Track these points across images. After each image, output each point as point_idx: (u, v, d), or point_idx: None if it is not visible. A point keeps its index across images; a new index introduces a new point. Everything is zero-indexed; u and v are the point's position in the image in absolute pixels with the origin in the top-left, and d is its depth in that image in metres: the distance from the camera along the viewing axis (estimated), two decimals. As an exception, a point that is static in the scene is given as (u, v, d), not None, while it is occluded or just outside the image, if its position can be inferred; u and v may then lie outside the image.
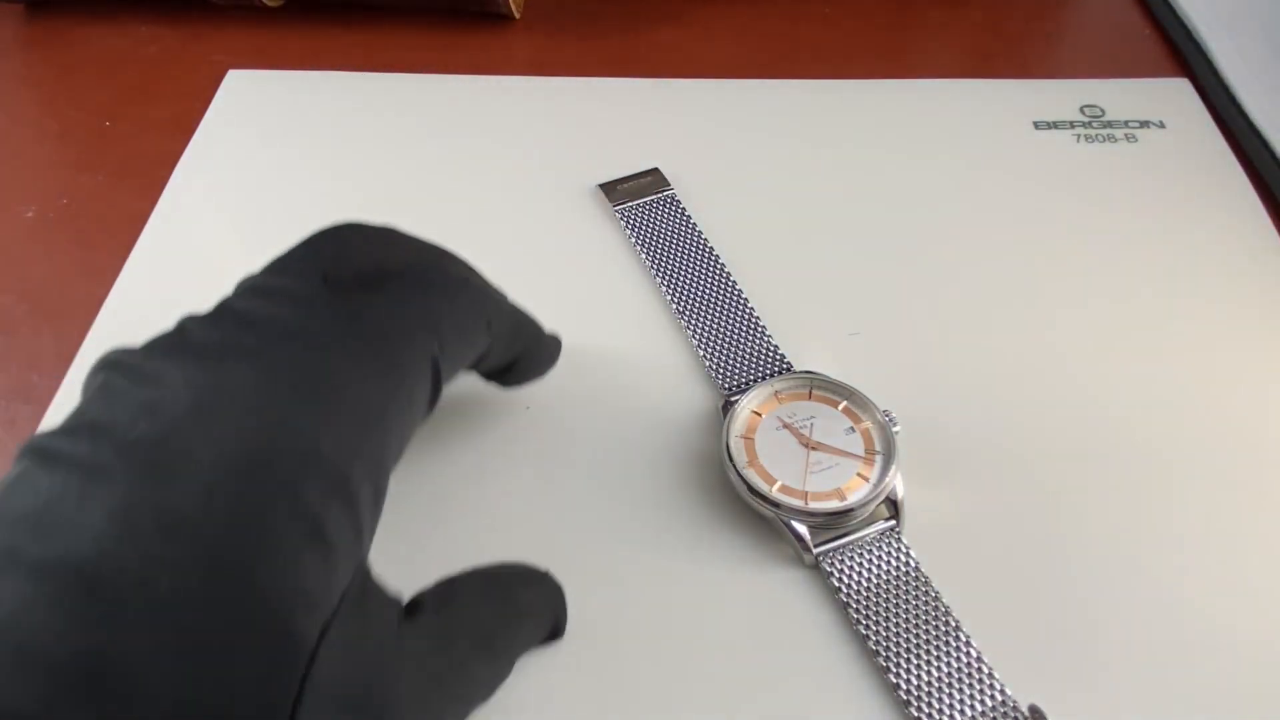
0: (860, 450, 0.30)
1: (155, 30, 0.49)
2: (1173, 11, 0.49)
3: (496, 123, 0.43)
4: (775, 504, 0.28)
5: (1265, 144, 0.41)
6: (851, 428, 0.30)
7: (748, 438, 0.30)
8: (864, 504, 0.28)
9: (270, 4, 0.48)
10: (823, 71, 0.46)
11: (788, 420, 0.30)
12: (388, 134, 0.43)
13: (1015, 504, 0.30)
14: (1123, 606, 0.28)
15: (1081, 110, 0.44)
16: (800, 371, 0.32)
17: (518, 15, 0.49)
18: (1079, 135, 0.43)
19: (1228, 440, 0.32)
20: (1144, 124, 0.43)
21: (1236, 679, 0.27)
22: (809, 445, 0.30)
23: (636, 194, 0.39)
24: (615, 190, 0.39)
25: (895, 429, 0.30)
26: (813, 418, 0.31)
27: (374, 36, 0.48)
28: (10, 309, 0.36)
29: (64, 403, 0.33)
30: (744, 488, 0.29)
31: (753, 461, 0.29)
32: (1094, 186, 0.41)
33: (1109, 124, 0.43)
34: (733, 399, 0.32)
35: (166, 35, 0.48)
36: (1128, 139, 0.43)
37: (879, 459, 0.29)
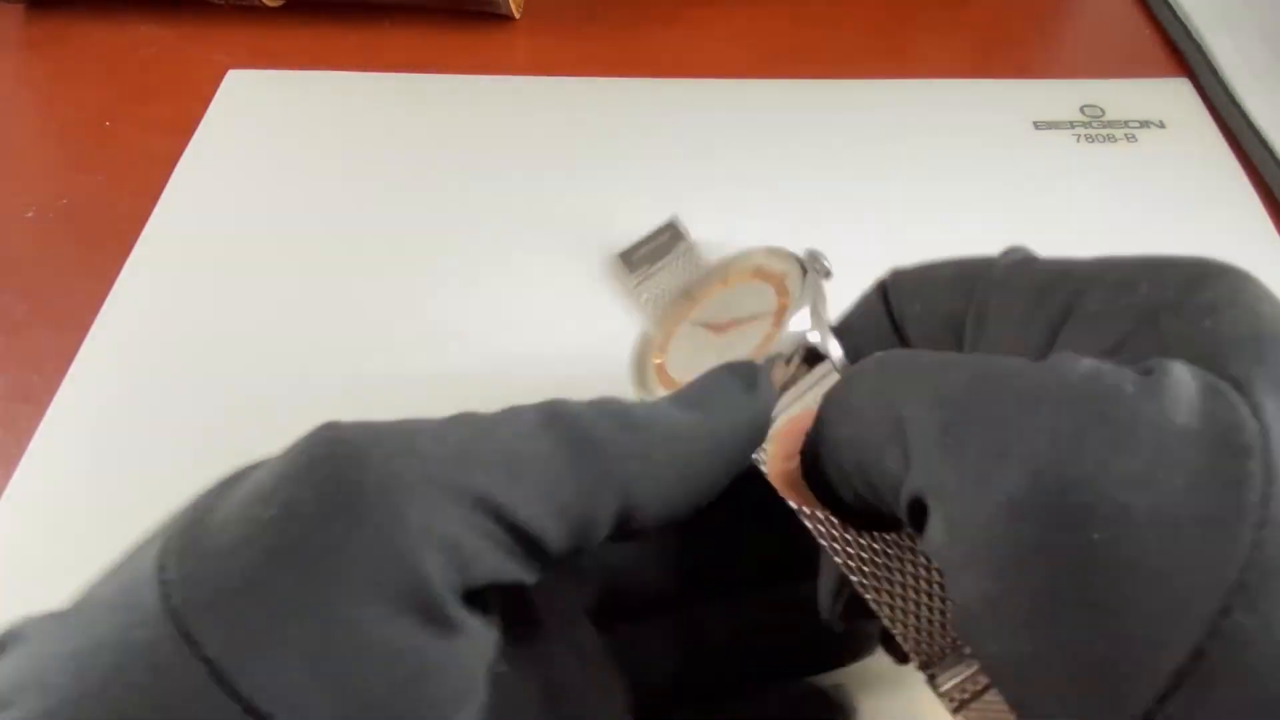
0: (770, 305, 0.24)
1: (155, 30, 0.49)
2: (1173, 11, 0.49)
3: (497, 122, 0.43)
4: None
5: (1265, 144, 0.41)
6: (764, 287, 0.25)
7: (657, 364, 0.25)
8: (770, 359, 0.22)
9: (270, 4, 0.48)
10: (823, 71, 0.46)
11: (698, 319, 0.25)
12: (388, 134, 0.43)
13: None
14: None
15: (1082, 110, 0.44)
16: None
17: (518, 15, 0.49)
18: (1079, 135, 0.43)
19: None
20: (1144, 124, 0.43)
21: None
22: (718, 329, 0.24)
23: (655, 257, 0.35)
24: (634, 259, 0.35)
25: (823, 266, 0.24)
26: (728, 302, 0.25)
27: (374, 36, 0.48)
28: (10, 309, 0.36)
29: (64, 403, 0.33)
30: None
31: (662, 374, 0.25)
32: (1094, 186, 0.41)
33: (1109, 124, 0.43)
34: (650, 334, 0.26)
35: (166, 35, 0.48)
36: (1128, 139, 0.43)
37: (792, 305, 0.23)
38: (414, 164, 0.41)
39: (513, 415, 0.17)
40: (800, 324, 0.22)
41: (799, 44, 0.48)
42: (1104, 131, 0.43)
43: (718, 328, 0.24)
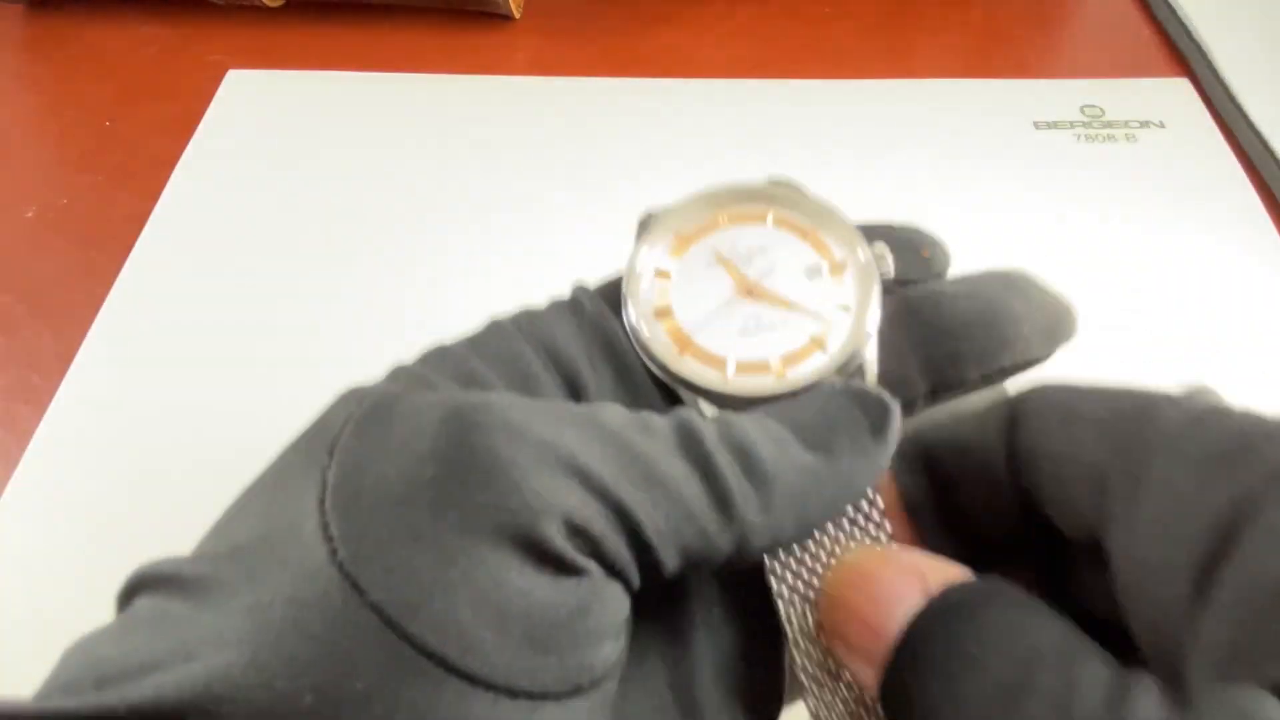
0: (822, 304, 0.20)
1: (155, 30, 0.49)
2: (1173, 11, 0.49)
3: (497, 122, 0.43)
4: (679, 378, 0.20)
5: (1265, 144, 0.41)
6: (817, 268, 0.21)
7: (662, 273, 0.21)
8: (809, 387, 0.19)
9: (270, 4, 0.48)
10: (823, 71, 0.46)
11: (727, 252, 0.21)
12: (387, 134, 0.43)
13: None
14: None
15: (1082, 110, 0.44)
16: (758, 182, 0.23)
17: (518, 15, 0.49)
18: (1079, 135, 0.43)
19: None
20: (1144, 124, 0.43)
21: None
22: (748, 289, 0.21)
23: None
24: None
25: (888, 268, 0.21)
26: (764, 249, 0.21)
27: (374, 36, 0.48)
28: (10, 309, 0.36)
29: (64, 403, 0.33)
30: (640, 348, 0.20)
31: (663, 311, 0.20)
32: (1094, 186, 0.41)
33: (1109, 124, 0.43)
34: (655, 211, 0.22)
35: (166, 35, 0.48)
36: (1128, 139, 0.43)
37: (845, 319, 0.20)
38: (414, 164, 0.41)
39: (647, 424, 0.17)
40: (871, 351, 0.20)
41: (799, 44, 0.48)
42: (1104, 131, 0.43)
43: (748, 287, 0.21)
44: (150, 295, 0.36)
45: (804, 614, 0.19)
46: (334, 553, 0.15)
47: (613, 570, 0.16)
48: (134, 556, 0.30)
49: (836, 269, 0.21)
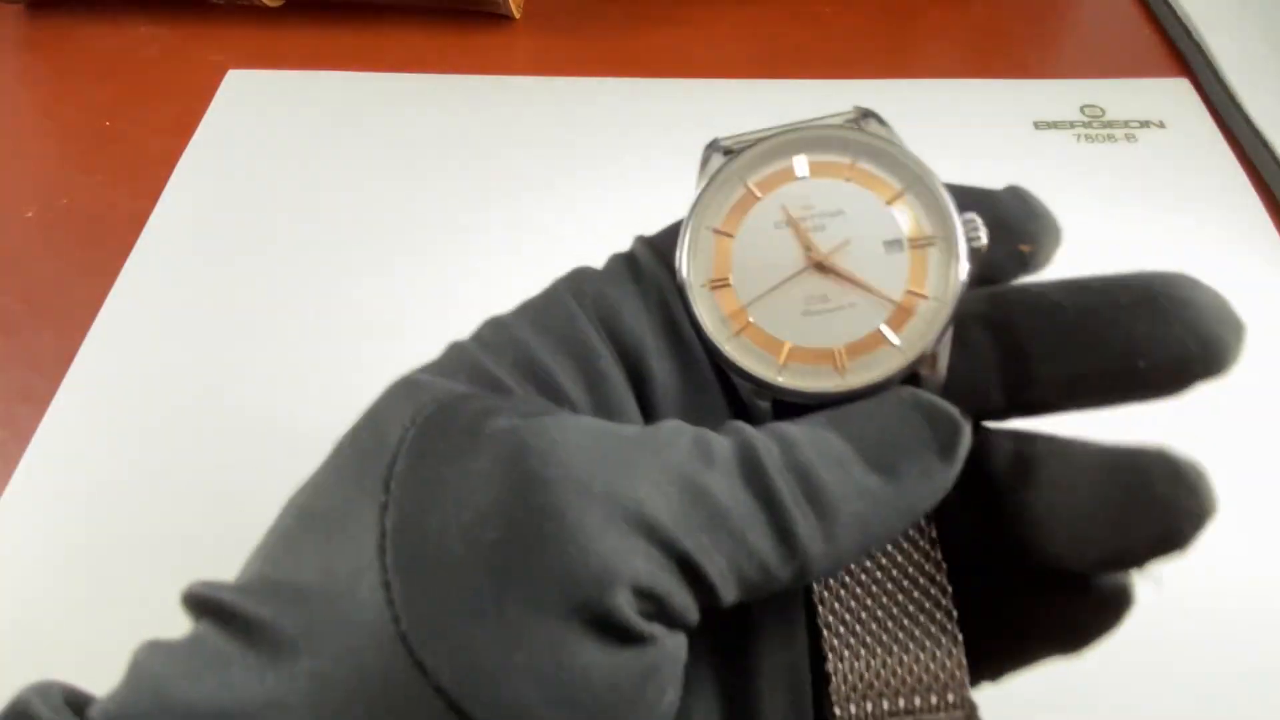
0: (899, 285, 0.18)
1: (155, 30, 0.49)
2: (1173, 11, 0.49)
3: (496, 122, 0.43)
4: (731, 363, 0.18)
5: (1265, 144, 0.41)
6: (898, 241, 0.18)
7: (723, 233, 0.19)
8: (873, 388, 0.18)
9: (270, 4, 0.48)
10: (823, 71, 0.46)
11: (799, 212, 0.19)
12: (387, 134, 0.43)
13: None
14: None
15: (1082, 110, 0.44)
16: (842, 120, 0.20)
17: (518, 15, 0.49)
18: (1079, 135, 0.43)
19: (1225, 440, 0.32)
20: (1144, 124, 0.43)
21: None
22: (817, 263, 0.18)
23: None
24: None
25: (970, 247, 0.18)
26: (841, 213, 0.19)
27: (374, 36, 0.48)
28: (10, 309, 0.36)
29: (64, 403, 0.33)
30: (692, 323, 0.18)
31: (720, 281, 0.18)
32: (1094, 186, 0.41)
33: (1109, 124, 0.43)
34: (724, 143, 0.20)
35: (166, 35, 0.48)
36: (1128, 139, 0.43)
37: (924, 308, 0.18)
38: (413, 164, 0.41)
39: (709, 451, 0.16)
40: (945, 349, 0.18)
41: (799, 44, 0.48)
42: (1104, 131, 0.43)
43: (818, 260, 0.18)
44: (150, 295, 0.36)
45: (850, 658, 0.18)
46: (396, 620, 0.15)
47: (677, 624, 0.16)
48: (133, 557, 0.30)
49: (920, 244, 0.18)
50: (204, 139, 0.42)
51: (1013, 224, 0.19)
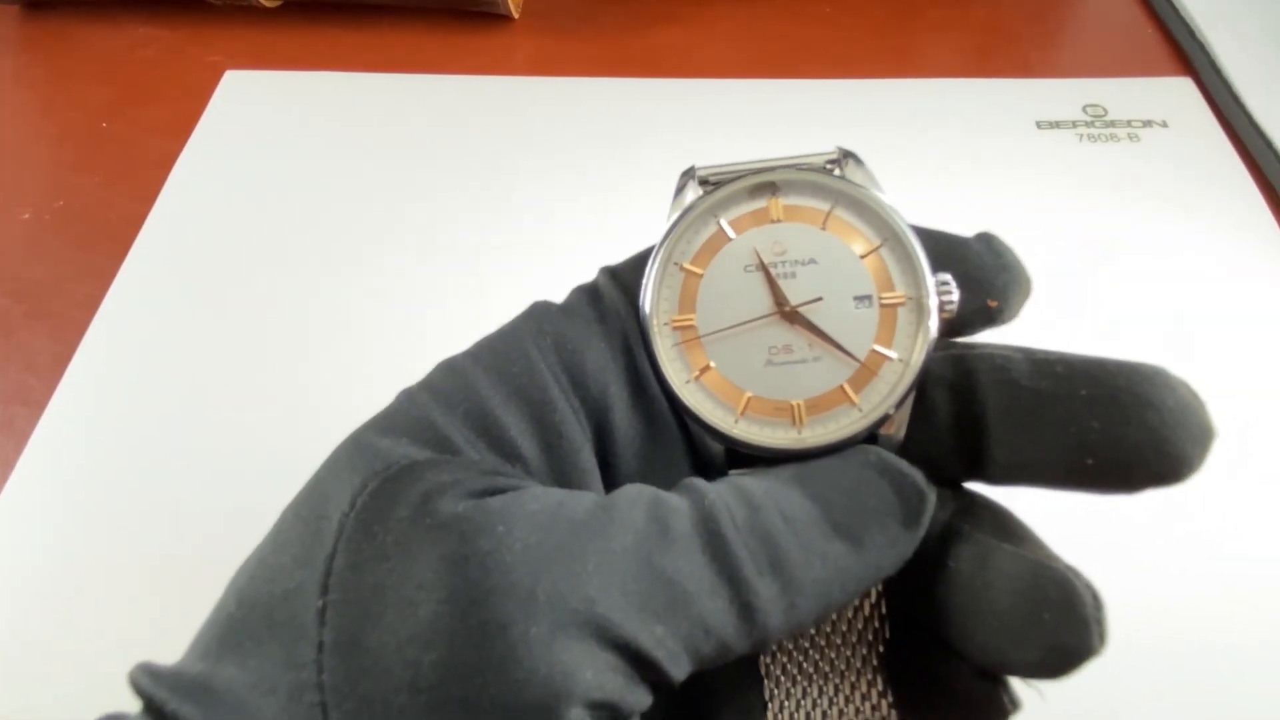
0: (865, 343, 0.18)
1: (153, 31, 0.48)
2: (1175, 10, 0.49)
3: (496, 122, 0.43)
4: (687, 409, 0.18)
5: (1268, 143, 0.41)
6: (869, 296, 0.18)
7: (691, 272, 0.18)
8: (830, 448, 0.17)
9: (268, 4, 0.48)
10: (823, 71, 0.46)
11: (771, 257, 0.18)
12: (386, 134, 0.42)
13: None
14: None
15: (1084, 110, 0.44)
16: (822, 161, 0.20)
17: (517, 15, 0.49)
18: (1082, 135, 0.43)
19: (1225, 440, 0.32)
20: (1147, 123, 0.43)
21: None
22: (784, 312, 0.18)
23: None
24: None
25: (941, 310, 0.18)
26: (813, 261, 0.18)
27: (373, 36, 0.48)
28: (7, 311, 0.36)
29: (61, 405, 0.33)
30: (652, 363, 0.18)
31: (684, 322, 0.18)
32: (1097, 186, 0.40)
33: (1112, 123, 0.43)
34: (701, 173, 0.20)
35: (164, 36, 0.48)
36: (1130, 138, 0.43)
37: (887, 370, 0.18)
38: (413, 164, 0.41)
39: (667, 526, 0.16)
40: (905, 412, 0.18)
41: (799, 44, 0.48)
42: (1106, 131, 0.43)
43: (786, 310, 0.18)
44: (147, 297, 0.36)
45: (790, 710, 0.18)
46: None
47: (629, 717, 0.16)
48: (131, 557, 0.30)
49: (891, 303, 0.18)
50: (201, 140, 0.42)
51: (983, 278, 0.19)
